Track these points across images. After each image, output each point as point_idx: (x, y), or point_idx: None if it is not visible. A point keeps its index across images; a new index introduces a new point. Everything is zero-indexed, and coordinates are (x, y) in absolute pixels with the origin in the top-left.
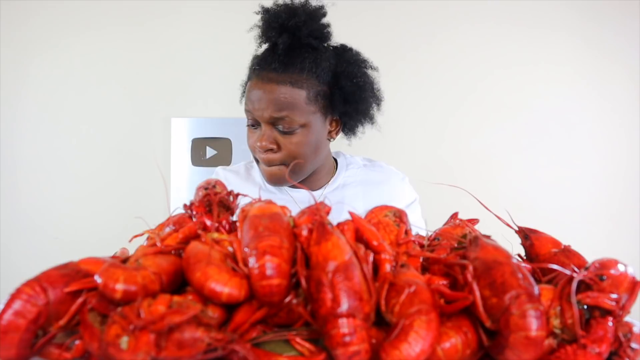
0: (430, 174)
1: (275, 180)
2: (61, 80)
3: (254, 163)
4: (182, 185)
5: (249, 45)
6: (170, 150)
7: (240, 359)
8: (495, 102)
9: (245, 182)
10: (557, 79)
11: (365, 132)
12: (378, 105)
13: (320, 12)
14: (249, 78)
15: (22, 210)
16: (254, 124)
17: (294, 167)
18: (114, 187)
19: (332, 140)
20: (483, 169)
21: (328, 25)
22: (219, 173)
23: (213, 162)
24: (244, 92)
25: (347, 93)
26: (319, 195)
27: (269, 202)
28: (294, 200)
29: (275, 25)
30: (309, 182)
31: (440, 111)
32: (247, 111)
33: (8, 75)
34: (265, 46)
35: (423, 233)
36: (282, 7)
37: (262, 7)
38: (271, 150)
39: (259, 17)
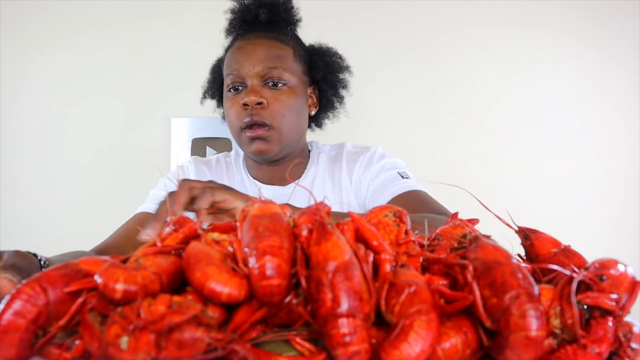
0: (429, 174)
1: (262, 145)
2: (61, 80)
3: (231, 153)
4: None
5: None
6: (170, 150)
7: (240, 359)
8: (495, 102)
9: (224, 174)
10: (557, 79)
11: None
12: (347, 90)
13: None
14: (229, 47)
15: (22, 210)
16: (239, 86)
17: (281, 128)
18: (114, 187)
19: (310, 114)
20: (483, 169)
21: (294, 8)
22: (189, 168)
23: None
24: (217, 68)
25: (326, 61)
26: (289, 192)
27: (269, 202)
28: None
29: (253, 2)
30: (282, 172)
31: (440, 111)
32: (229, 74)
33: (8, 75)
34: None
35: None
36: None
37: None
38: (260, 104)
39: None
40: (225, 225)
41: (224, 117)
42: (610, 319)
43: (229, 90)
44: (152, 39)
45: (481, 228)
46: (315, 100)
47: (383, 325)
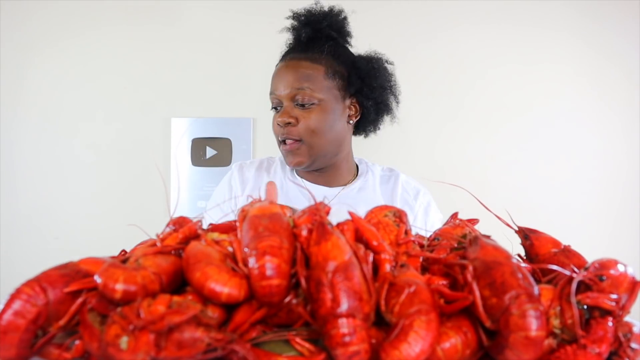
0: (429, 174)
1: (293, 158)
2: (61, 80)
3: (278, 158)
4: (182, 185)
5: (248, 45)
6: (170, 150)
7: (240, 359)
8: (495, 102)
9: (267, 175)
10: (557, 79)
11: (385, 127)
12: (395, 97)
13: (339, 10)
14: (275, 68)
15: (22, 211)
16: (277, 106)
17: (311, 142)
18: (114, 187)
19: (351, 123)
20: (483, 169)
21: (346, 19)
22: (235, 175)
23: (213, 162)
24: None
25: (363, 72)
26: (335, 193)
27: (269, 202)
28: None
29: (300, 22)
30: (329, 176)
31: (440, 111)
32: (271, 94)
33: (8, 75)
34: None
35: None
36: (306, 9)
37: (291, 11)
38: (289, 124)
39: (288, 21)
40: (225, 225)
41: None
42: (610, 319)
43: (272, 109)
44: (152, 39)
45: (481, 228)
46: (356, 109)
47: (383, 325)
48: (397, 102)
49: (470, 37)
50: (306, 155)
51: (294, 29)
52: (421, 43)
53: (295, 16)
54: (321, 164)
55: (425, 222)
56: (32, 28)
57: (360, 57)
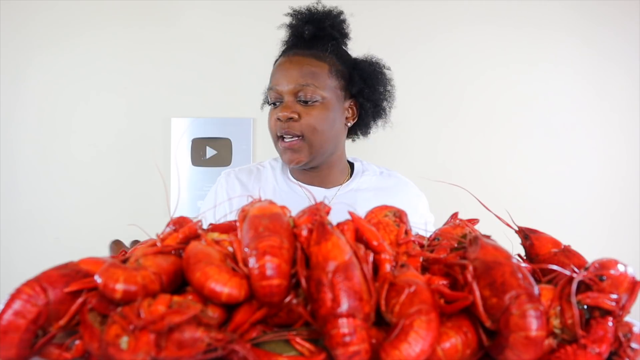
0: (429, 174)
1: (293, 155)
2: (61, 80)
3: (267, 163)
4: (182, 185)
5: (249, 45)
6: (170, 150)
7: (240, 359)
8: (495, 102)
9: (257, 181)
10: (557, 79)
11: (378, 130)
12: (390, 103)
13: (339, 12)
14: (275, 63)
15: (22, 211)
16: (277, 102)
17: (312, 139)
18: (114, 187)
19: (348, 125)
20: (482, 169)
21: (345, 21)
22: (222, 183)
23: (213, 162)
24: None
25: (366, 74)
26: (333, 194)
27: (269, 202)
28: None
29: (301, 19)
30: (322, 177)
31: (439, 111)
32: (270, 89)
33: (8, 75)
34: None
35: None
36: (307, 7)
37: (291, 8)
38: (291, 119)
39: (287, 18)
40: (225, 225)
41: None
42: (610, 319)
43: (270, 104)
44: (152, 39)
45: (481, 228)
46: (354, 112)
47: (383, 325)
48: (391, 108)
49: (470, 37)
50: (306, 153)
51: (294, 26)
52: (420, 44)
53: (296, 13)
54: (318, 162)
55: (425, 224)
56: (32, 28)
57: (361, 59)
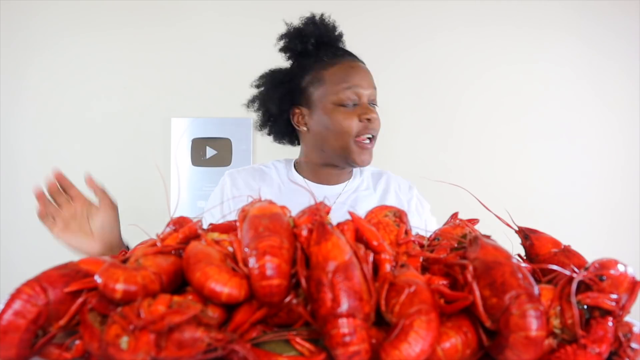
0: (429, 174)
1: (370, 156)
2: (61, 80)
3: (271, 164)
4: (182, 185)
5: (249, 45)
6: (170, 150)
7: (240, 359)
8: (494, 102)
9: (262, 182)
10: (557, 79)
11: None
12: None
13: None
14: (330, 64)
15: (22, 210)
16: (354, 103)
17: (376, 140)
18: (114, 187)
19: None
20: (482, 169)
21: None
22: (227, 182)
23: (213, 162)
24: (290, 77)
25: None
26: (339, 191)
27: (269, 202)
28: (325, 196)
29: (333, 33)
30: (337, 174)
31: (439, 112)
32: (348, 88)
33: (8, 75)
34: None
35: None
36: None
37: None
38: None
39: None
40: (225, 225)
41: (297, 126)
42: (610, 319)
43: (343, 105)
44: (153, 39)
45: (481, 228)
46: None
47: (383, 325)
48: None
49: (470, 37)
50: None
51: (332, 38)
52: (420, 44)
53: (334, 28)
54: None
55: (422, 213)
56: (32, 28)
57: None
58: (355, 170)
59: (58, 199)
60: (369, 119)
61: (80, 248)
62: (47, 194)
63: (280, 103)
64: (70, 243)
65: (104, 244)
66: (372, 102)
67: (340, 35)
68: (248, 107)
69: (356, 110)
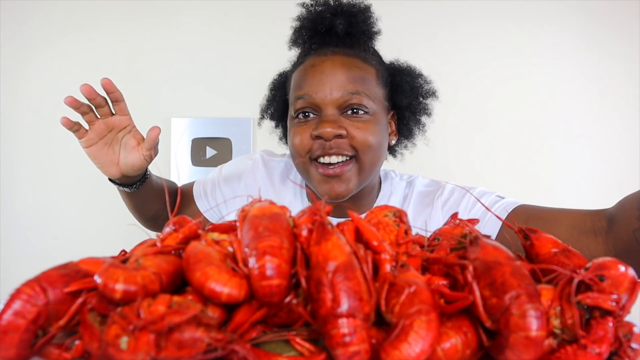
0: (429, 173)
1: (339, 185)
2: (61, 79)
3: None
4: None
5: (249, 45)
6: (170, 150)
7: (240, 359)
8: (494, 101)
9: (281, 186)
10: (557, 79)
11: (417, 145)
12: (429, 117)
13: (368, 6)
14: (299, 62)
15: (22, 210)
16: (309, 113)
17: (364, 160)
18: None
19: (391, 143)
20: (482, 168)
21: (376, 19)
22: (259, 164)
23: (213, 162)
24: (279, 84)
25: (412, 83)
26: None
27: (270, 202)
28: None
29: (328, 10)
30: (353, 199)
31: (439, 111)
32: (300, 97)
33: (8, 75)
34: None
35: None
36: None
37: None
38: (340, 136)
39: (301, 10)
40: (225, 225)
41: (283, 140)
42: (611, 319)
43: (297, 116)
44: (153, 39)
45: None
46: (394, 128)
47: (383, 325)
48: (424, 129)
49: (470, 36)
50: (355, 180)
51: (320, 17)
52: (420, 43)
53: (322, 3)
54: (360, 188)
55: (479, 210)
56: (32, 28)
57: (403, 66)
58: (383, 192)
59: (101, 110)
60: (318, 135)
61: (99, 165)
62: (86, 100)
63: (278, 116)
64: (93, 158)
65: (123, 176)
66: (347, 110)
67: (374, 32)
68: (262, 117)
69: (309, 123)
